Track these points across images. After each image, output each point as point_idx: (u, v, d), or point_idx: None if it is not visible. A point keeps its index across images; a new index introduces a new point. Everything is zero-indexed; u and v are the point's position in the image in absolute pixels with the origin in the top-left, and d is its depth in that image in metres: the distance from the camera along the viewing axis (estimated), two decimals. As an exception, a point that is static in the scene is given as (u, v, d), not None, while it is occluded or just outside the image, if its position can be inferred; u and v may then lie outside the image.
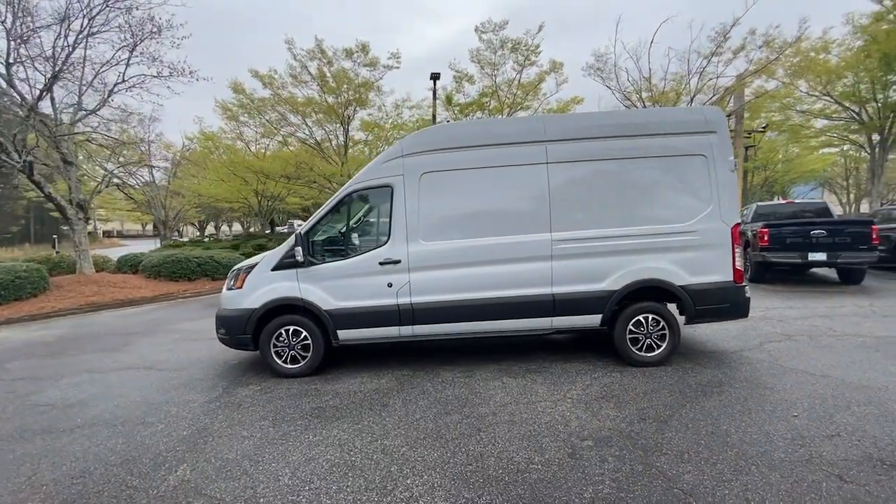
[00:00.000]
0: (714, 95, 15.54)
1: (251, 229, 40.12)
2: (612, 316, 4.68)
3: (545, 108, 17.31)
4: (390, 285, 4.69)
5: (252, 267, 4.87)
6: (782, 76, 16.71)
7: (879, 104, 14.43)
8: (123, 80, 12.02)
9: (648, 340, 4.69)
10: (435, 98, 18.21)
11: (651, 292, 4.70)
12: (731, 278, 4.68)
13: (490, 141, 4.75)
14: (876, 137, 15.72)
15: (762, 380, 4.22)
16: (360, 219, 5.07)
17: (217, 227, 51.59)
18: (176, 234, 33.66)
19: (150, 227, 75.34)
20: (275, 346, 4.77)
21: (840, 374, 4.31)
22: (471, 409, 3.77)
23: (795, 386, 4.04)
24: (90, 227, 20.80)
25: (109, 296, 10.34)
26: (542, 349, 5.41)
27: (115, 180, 15.29)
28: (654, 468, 2.80)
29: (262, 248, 16.95)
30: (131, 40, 11.58)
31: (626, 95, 16.33)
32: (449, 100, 18.14)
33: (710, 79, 15.21)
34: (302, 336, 4.76)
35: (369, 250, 4.76)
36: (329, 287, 4.72)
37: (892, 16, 12.75)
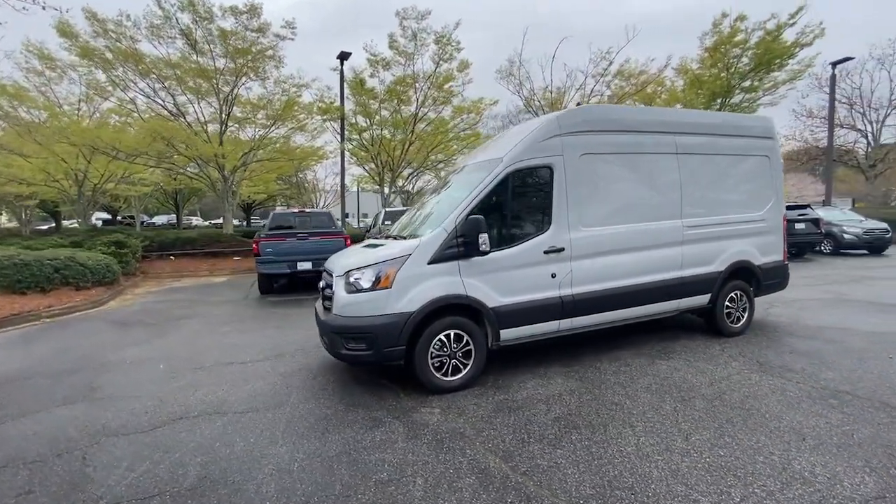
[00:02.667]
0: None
1: (28, 223, 29.71)
2: (716, 294, 5.24)
3: (458, 107, 17.66)
4: (554, 276, 4.29)
5: (392, 261, 3.81)
6: (629, 101, 20.71)
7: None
8: None
9: (736, 314, 5.43)
10: (343, 80, 16.72)
11: (739, 272, 5.43)
12: (782, 258, 5.76)
13: (637, 127, 4.77)
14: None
15: (822, 335, 5.33)
16: (518, 202, 4.43)
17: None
18: None
19: None
20: (433, 355, 3.86)
21: (849, 324, 5.75)
22: (697, 392, 3.78)
23: (843, 335, 5.25)
24: None
25: (-78, 323, 6.49)
26: (630, 333, 5.65)
27: None
28: (912, 410, 3.35)
29: (121, 245, 12.86)
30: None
31: (528, 102, 17.95)
32: (361, 84, 16.87)
33: (595, 95, 17.97)
34: (464, 341, 3.96)
35: (530, 237, 4.25)
36: (492, 280, 4.05)
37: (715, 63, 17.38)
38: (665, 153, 4.90)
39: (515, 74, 17.18)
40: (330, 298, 4.18)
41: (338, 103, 17.48)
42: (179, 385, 4.34)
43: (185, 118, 17.21)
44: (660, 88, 19.89)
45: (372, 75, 16.74)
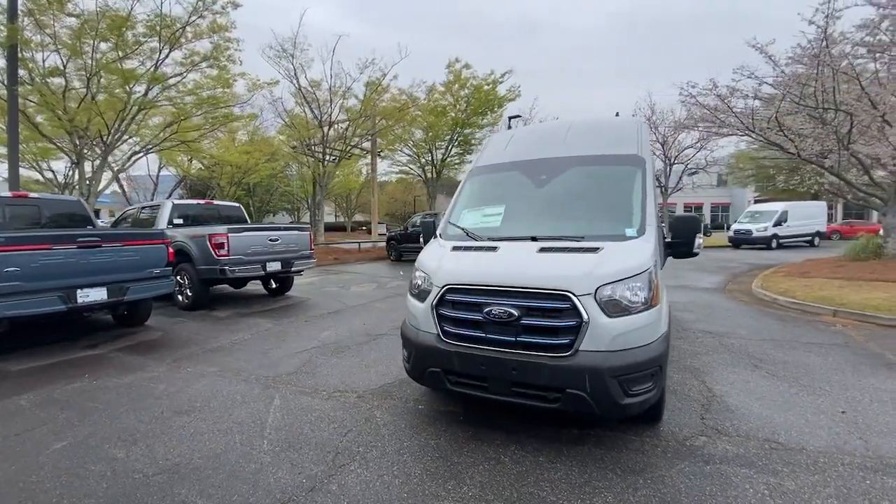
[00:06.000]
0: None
1: None
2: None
3: (220, 76, 13.57)
4: (659, 276, 4.41)
5: (653, 268, 2.95)
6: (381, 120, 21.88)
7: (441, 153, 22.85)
8: None
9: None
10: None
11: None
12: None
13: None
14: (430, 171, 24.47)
15: (690, 308, 7.68)
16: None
17: None
18: None
19: None
20: (661, 379, 3.24)
21: (678, 298, 8.50)
22: (756, 358, 4.80)
23: (703, 308, 7.78)
24: None
25: None
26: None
27: None
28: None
29: None
30: None
31: (301, 92, 15.97)
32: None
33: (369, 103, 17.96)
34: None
35: (654, 239, 4.19)
36: (658, 284, 3.79)
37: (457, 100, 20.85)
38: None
39: (295, 56, 14.92)
40: (541, 331, 2.79)
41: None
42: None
43: None
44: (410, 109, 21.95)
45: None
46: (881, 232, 15.20)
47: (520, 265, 3.06)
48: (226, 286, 9.66)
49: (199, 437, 3.16)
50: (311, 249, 8.94)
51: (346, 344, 5.56)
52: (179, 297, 7.67)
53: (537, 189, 4.11)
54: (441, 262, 3.36)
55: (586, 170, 4.06)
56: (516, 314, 2.83)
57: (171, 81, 12.93)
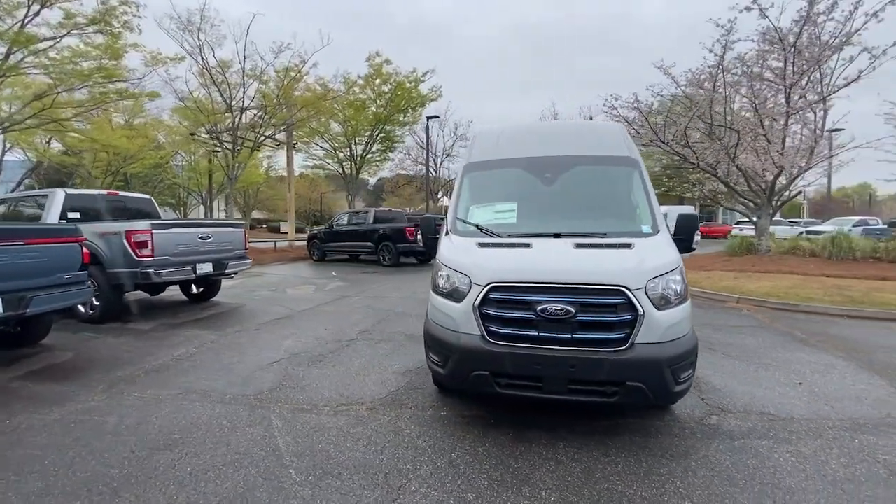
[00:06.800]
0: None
1: None
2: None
3: (109, 45, 11.34)
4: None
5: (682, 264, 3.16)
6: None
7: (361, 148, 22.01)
8: None
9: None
10: None
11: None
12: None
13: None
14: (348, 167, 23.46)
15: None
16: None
17: None
18: None
19: None
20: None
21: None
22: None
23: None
24: None
25: None
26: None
27: None
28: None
29: None
30: None
31: (213, 73, 14.16)
32: None
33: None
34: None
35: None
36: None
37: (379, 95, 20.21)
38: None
39: (203, 31, 13.05)
40: (598, 326, 2.82)
41: None
42: None
43: None
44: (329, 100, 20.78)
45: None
46: (735, 232, 18.33)
47: (567, 261, 3.05)
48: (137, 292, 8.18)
49: (203, 477, 2.59)
50: (246, 249, 8.00)
51: (319, 352, 5.06)
52: (81, 308, 6.28)
53: (546, 186, 4.14)
54: (476, 260, 3.20)
55: (589, 169, 4.21)
56: (573, 311, 2.81)
57: (42, 46, 10.53)
